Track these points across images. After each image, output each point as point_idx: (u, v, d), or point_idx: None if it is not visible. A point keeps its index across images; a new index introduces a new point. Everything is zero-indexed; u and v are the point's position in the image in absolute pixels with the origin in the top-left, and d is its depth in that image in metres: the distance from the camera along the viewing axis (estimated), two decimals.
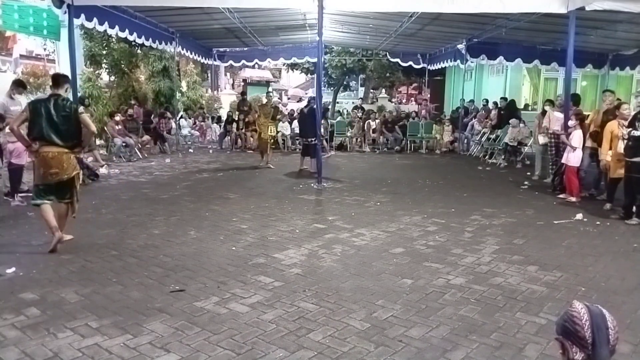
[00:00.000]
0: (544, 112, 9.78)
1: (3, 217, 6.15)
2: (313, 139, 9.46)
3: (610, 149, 6.93)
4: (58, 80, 5.13)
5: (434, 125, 14.93)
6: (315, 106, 9.32)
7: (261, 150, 11.16)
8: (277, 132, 12.95)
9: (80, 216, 6.21)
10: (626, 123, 6.65)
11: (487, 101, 15.28)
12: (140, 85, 14.86)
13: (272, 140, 11.48)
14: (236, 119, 14.66)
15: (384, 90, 28.43)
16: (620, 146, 6.63)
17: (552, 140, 8.80)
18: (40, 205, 4.89)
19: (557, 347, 1.61)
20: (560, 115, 8.73)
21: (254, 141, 14.29)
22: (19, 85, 7.49)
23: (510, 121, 11.89)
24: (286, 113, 15.97)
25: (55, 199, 5.01)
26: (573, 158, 7.49)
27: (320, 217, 6.54)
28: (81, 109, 5.18)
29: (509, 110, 12.87)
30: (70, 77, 8.16)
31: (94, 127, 5.15)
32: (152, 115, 13.88)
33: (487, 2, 7.91)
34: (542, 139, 9.71)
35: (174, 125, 13.94)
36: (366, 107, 19.52)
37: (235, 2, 9.41)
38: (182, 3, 9.42)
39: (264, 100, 12.54)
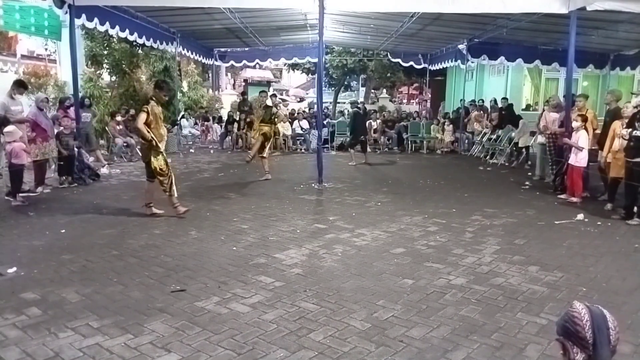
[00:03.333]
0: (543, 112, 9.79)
1: (4, 217, 6.16)
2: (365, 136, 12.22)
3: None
4: (156, 85, 6.47)
5: (432, 125, 14.95)
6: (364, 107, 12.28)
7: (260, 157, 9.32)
8: (275, 133, 10.01)
9: (80, 216, 6.29)
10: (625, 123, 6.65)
11: (482, 101, 15.32)
12: (141, 86, 14.85)
13: (258, 141, 9.19)
14: (237, 119, 14.67)
15: (385, 91, 28.43)
16: (616, 144, 6.67)
17: (551, 140, 8.78)
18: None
19: (558, 348, 1.61)
20: (556, 116, 8.72)
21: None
22: (20, 86, 7.50)
23: (520, 122, 11.83)
24: (287, 113, 15.94)
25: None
26: (580, 159, 7.45)
27: (321, 217, 6.54)
28: (150, 105, 6.08)
29: (509, 112, 12.88)
30: (72, 77, 8.41)
31: (136, 123, 6.22)
32: None
33: (488, 2, 7.91)
34: (540, 139, 9.71)
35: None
36: (368, 107, 19.49)
37: (236, 2, 9.42)
38: (183, 3, 9.42)
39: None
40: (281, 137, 14.22)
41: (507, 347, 3.12)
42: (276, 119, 9.74)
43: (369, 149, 14.32)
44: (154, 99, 6.19)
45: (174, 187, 6.37)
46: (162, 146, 6.24)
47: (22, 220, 6.03)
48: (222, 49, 16.51)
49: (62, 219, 6.12)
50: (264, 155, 9.25)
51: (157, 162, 6.20)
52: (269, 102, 9.58)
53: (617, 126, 6.84)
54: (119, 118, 11.82)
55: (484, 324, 3.43)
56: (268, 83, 30.50)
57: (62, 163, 8.27)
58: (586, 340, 1.51)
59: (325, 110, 17.38)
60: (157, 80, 7.31)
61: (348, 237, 5.55)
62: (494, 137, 12.79)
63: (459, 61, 14.28)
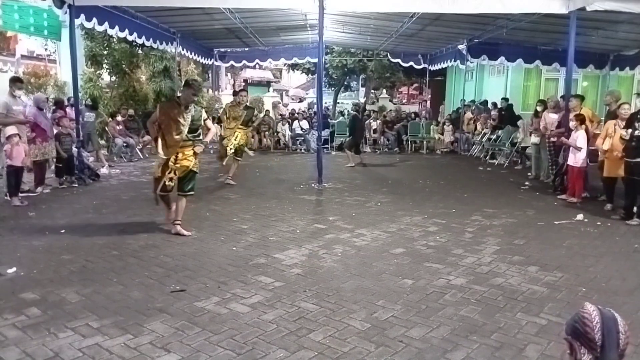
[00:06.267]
0: (536, 113, 9.79)
1: (4, 217, 6.15)
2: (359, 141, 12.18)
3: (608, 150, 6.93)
4: (185, 83, 6.06)
5: (432, 125, 14.99)
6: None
7: (220, 157, 8.95)
8: (244, 141, 8.91)
9: (81, 216, 6.29)
10: (622, 123, 6.65)
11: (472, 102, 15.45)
12: (141, 86, 14.86)
13: (231, 150, 8.60)
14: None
15: (384, 91, 28.44)
16: (607, 144, 6.74)
17: (551, 141, 8.77)
18: None
19: (565, 347, 1.61)
20: (555, 116, 8.72)
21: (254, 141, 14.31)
22: (16, 81, 7.46)
23: (518, 123, 11.86)
24: (285, 113, 15.92)
25: None
26: (579, 159, 7.45)
27: (320, 218, 6.55)
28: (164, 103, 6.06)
29: (509, 112, 12.88)
30: (72, 77, 8.39)
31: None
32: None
33: (488, 2, 7.92)
34: (534, 139, 9.73)
35: None
36: (368, 107, 19.51)
37: (236, 2, 9.42)
38: (183, 3, 9.42)
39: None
40: (282, 137, 14.27)
41: (506, 347, 3.12)
42: (255, 122, 8.98)
43: (369, 149, 14.44)
44: (176, 98, 5.62)
45: (159, 197, 5.60)
46: (162, 153, 5.38)
47: (22, 221, 6.03)
48: (222, 49, 16.51)
49: (61, 219, 6.12)
50: (238, 158, 8.79)
51: (156, 167, 5.57)
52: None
53: (610, 126, 6.86)
54: (119, 118, 11.83)
55: (483, 324, 3.44)
56: (268, 83, 30.55)
57: (60, 165, 8.25)
58: (594, 342, 1.51)
59: (325, 111, 17.39)
60: (187, 78, 7.13)
61: (348, 237, 5.55)
62: (493, 137, 12.79)
63: (458, 61, 14.28)
